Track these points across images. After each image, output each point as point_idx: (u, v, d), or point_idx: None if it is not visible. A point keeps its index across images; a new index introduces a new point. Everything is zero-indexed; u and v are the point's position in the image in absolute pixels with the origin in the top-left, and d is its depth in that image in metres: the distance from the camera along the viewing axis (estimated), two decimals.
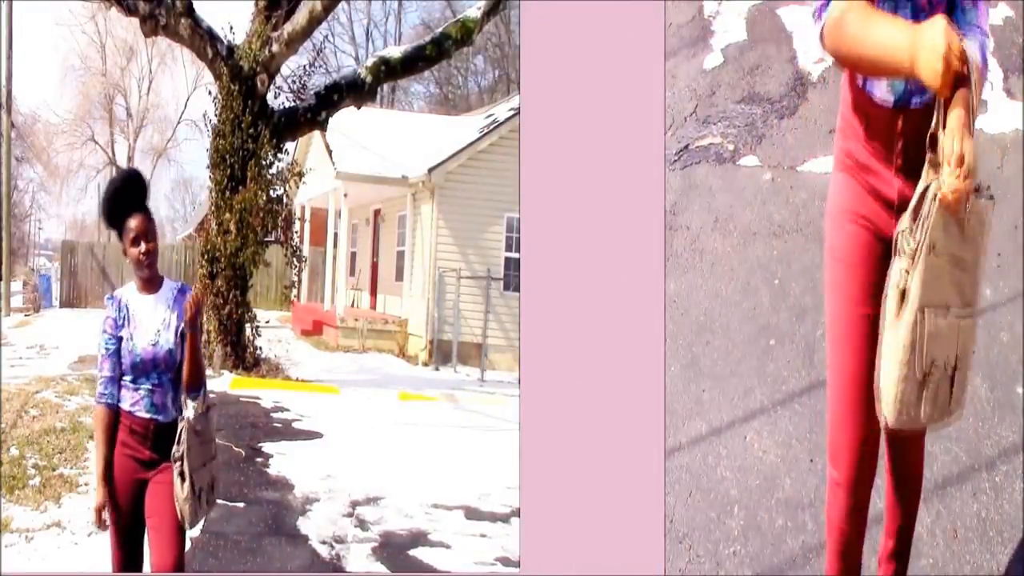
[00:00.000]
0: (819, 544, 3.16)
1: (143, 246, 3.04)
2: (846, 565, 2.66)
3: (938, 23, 2.12)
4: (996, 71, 4.72)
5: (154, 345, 3.03)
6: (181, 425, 3.02)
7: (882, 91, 2.44)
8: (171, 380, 3.08)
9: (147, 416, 3.05)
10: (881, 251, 2.45)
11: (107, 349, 3.05)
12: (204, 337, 13.08)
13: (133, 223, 3.04)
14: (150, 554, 3.06)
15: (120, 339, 3.04)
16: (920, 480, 2.73)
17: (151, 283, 3.12)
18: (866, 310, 2.46)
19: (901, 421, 2.28)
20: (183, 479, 2.97)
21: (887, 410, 2.29)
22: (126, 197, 3.09)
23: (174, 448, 3.01)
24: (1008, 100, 4.55)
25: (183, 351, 3.06)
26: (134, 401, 3.05)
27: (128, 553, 3.11)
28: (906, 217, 2.27)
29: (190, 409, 3.04)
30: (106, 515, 3.04)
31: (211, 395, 3.23)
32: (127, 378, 3.05)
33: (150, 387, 3.05)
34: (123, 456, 3.06)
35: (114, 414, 3.04)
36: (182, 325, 3.06)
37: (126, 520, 3.07)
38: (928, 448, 3.31)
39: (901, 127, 2.41)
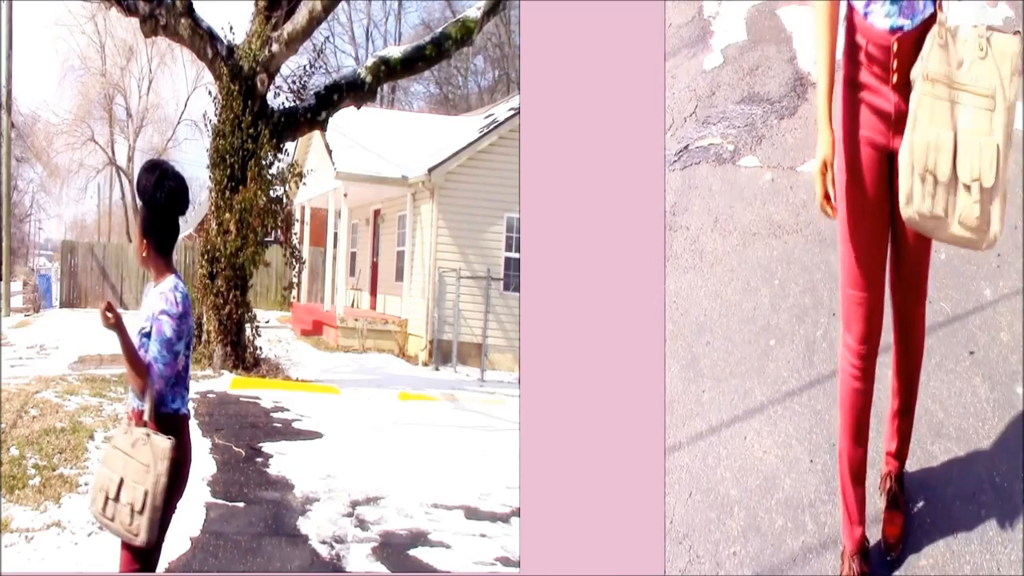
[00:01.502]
0: (819, 544, 3.16)
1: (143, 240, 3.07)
2: (857, 429, 3.03)
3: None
4: None
5: (138, 334, 3.02)
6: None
7: (879, 18, 2.82)
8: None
9: (134, 405, 3.05)
10: (879, 160, 2.88)
11: None
12: (204, 337, 12.99)
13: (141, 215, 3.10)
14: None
15: None
16: (921, 347, 3.08)
17: (158, 274, 3.08)
18: (868, 213, 2.91)
19: (910, 213, 2.75)
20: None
21: (902, 205, 2.76)
22: (177, 199, 3.09)
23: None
24: None
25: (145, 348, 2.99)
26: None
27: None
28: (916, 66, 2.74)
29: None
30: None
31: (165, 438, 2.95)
32: None
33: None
34: None
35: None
36: (145, 326, 2.99)
37: None
38: (928, 448, 3.31)
39: (896, 49, 2.79)
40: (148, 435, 2.93)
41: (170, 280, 3.05)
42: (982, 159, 2.69)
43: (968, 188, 2.70)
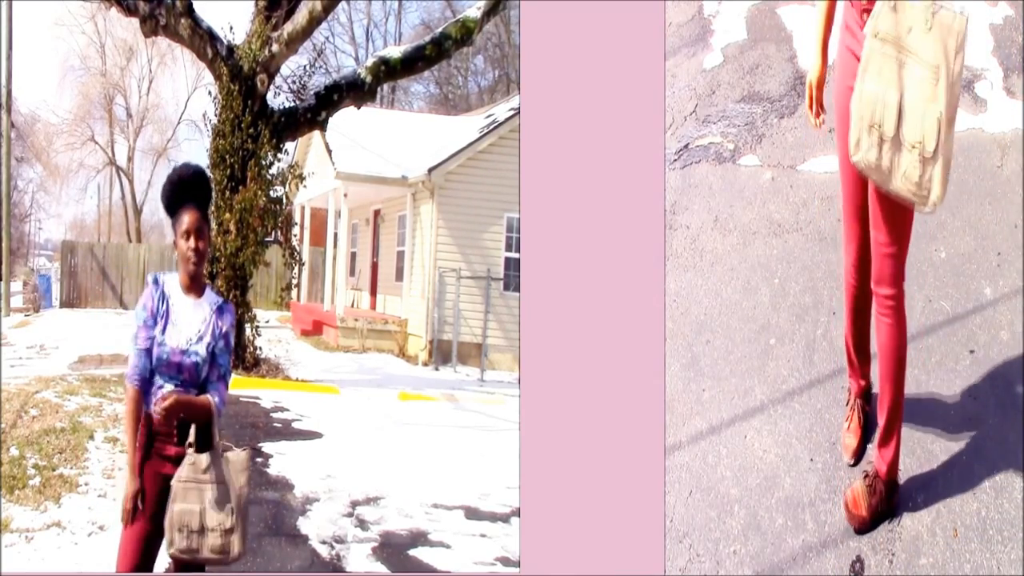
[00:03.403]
0: (819, 543, 3.16)
1: (193, 242, 3.00)
2: (854, 316, 3.39)
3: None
4: (996, 70, 4.71)
5: (183, 352, 3.00)
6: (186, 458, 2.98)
7: None
8: (192, 386, 3.05)
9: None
10: None
11: (144, 323, 2.99)
12: None
13: (187, 218, 3.01)
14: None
15: (155, 317, 3.00)
16: (902, 350, 3.16)
17: (195, 284, 3.08)
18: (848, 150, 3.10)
19: (857, 159, 2.96)
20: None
21: (851, 150, 2.97)
22: (190, 189, 3.06)
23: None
24: (1008, 99, 4.55)
25: (212, 371, 3.06)
26: (157, 400, 3.00)
27: (145, 553, 3.03)
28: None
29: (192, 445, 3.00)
30: (137, 504, 2.94)
31: (232, 447, 3.13)
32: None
33: (172, 388, 3.01)
34: (155, 470, 3.03)
35: (144, 394, 2.99)
36: (216, 344, 3.06)
37: (149, 521, 3.02)
38: (928, 447, 3.31)
39: None
40: (222, 454, 2.98)
41: (213, 293, 3.12)
42: (924, 126, 2.82)
43: (911, 149, 2.86)
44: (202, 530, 2.92)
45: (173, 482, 2.93)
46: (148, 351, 2.98)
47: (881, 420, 3.19)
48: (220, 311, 3.09)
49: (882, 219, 3.06)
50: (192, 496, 2.92)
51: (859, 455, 3.37)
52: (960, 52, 2.81)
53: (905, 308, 3.13)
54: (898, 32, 2.84)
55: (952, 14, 2.81)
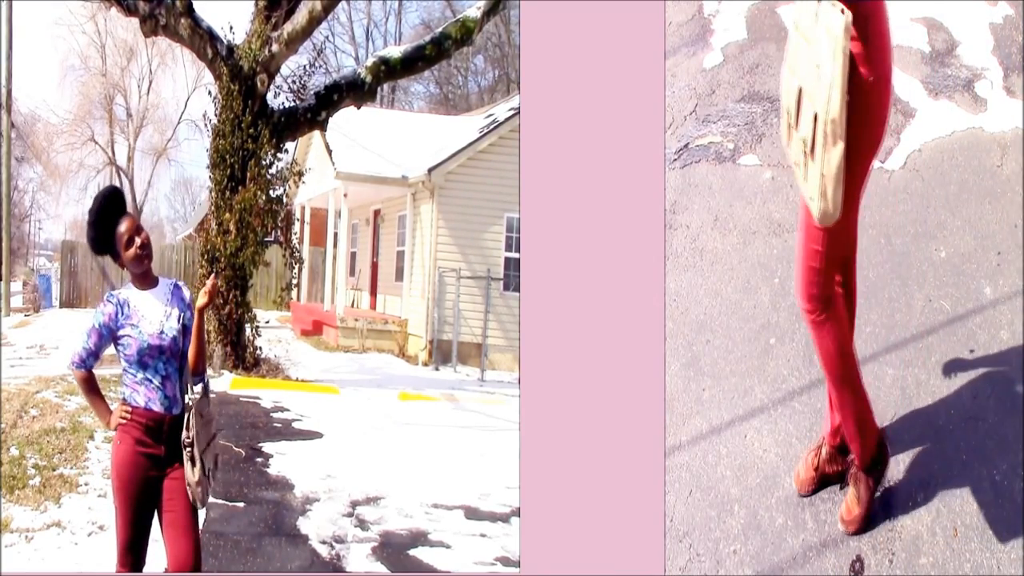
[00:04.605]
0: (820, 542, 3.16)
1: (138, 240, 3.14)
2: (843, 348, 3.08)
3: None
4: (996, 70, 4.71)
5: (160, 334, 3.14)
6: (188, 413, 3.16)
7: None
8: (177, 369, 3.20)
9: (162, 411, 3.15)
10: None
11: (95, 324, 3.20)
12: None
13: (122, 227, 3.15)
14: (167, 548, 3.14)
15: (111, 329, 3.17)
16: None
17: (148, 278, 3.24)
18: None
19: (789, 154, 2.86)
20: (193, 463, 3.10)
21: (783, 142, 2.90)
22: (110, 210, 3.19)
23: (183, 434, 3.13)
24: (1008, 99, 4.55)
25: (186, 340, 3.21)
26: (149, 397, 3.15)
27: (134, 550, 3.17)
28: None
29: (195, 393, 3.19)
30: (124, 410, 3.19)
31: (208, 377, 3.42)
32: (137, 371, 3.15)
33: (161, 379, 3.15)
34: (139, 455, 3.14)
35: (92, 375, 3.27)
36: (184, 315, 3.22)
37: (136, 517, 3.14)
38: (928, 447, 3.31)
39: None
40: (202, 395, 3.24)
41: (163, 278, 3.33)
42: (815, 127, 2.67)
43: (801, 145, 2.73)
44: (216, 464, 3.34)
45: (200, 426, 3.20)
46: (95, 352, 3.24)
47: (840, 425, 3.17)
48: (176, 288, 3.31)
49: (804, 224, 2.92)
50: (202, 439, 3.22)
51: (809, 489, 3.29)
52: (838, 57, 2.57)
53: (830, 329, 3.00)
54: (801, 17, 2.71)
55: (833, 7, 2.59)
